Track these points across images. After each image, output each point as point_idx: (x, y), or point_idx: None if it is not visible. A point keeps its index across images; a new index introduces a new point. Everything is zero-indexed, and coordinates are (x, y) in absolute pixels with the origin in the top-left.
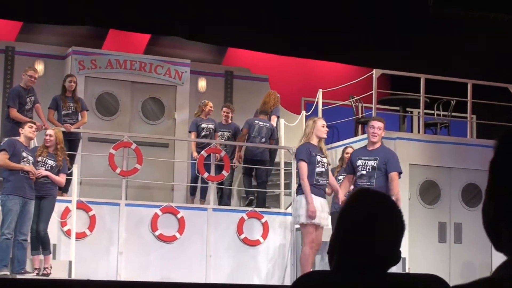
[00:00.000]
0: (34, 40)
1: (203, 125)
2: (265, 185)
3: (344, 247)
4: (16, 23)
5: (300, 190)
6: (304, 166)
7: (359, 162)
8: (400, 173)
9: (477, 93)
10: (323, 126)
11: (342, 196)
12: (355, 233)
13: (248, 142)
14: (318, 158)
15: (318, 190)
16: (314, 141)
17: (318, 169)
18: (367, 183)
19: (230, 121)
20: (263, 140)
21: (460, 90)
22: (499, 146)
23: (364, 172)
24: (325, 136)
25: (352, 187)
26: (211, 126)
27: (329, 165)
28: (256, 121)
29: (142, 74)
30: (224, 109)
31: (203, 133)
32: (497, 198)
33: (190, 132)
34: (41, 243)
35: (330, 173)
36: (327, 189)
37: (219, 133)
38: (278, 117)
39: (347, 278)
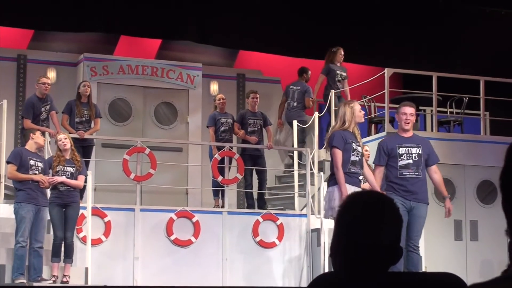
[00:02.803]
0: (45, 47)
1: (222, 120)
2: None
3: (346, 248)
4: (28, 31)
5: (332, 181)
6: (338, 153)
7: (402, 150)
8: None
9: (490, 90)
10: (361, 111)
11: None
12: (354, 234)
13: (286, 107)
14: (354, 145)
15: (352, 178)
16: (351, 127)
17: (352, 158)
18: (416, 173)
19: (257, 109)
20: (295, 103)
21: (473, 87)
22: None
23: (410, 161)
24: (363, 120)
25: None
26: (229, 120)
27: (363, 155)
28: (290, 87)
29: (154, 79)
30: (252, 95)
31: (222, 128)
32: None
33: (208, 127)
34: (65, 251)
35: (365, 165)
36: (366, 184)
37: (250, 121)
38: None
39: (363, 279)
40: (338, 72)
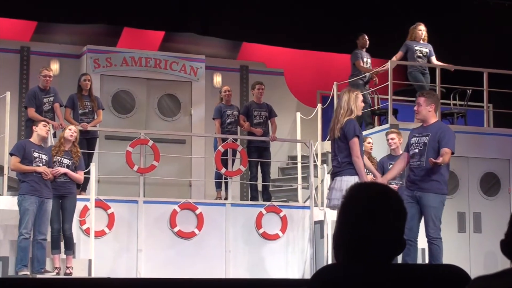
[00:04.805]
0: (49, 39)
1: (228, 112)
2: None
3: (350, 240)
4: (31, 23)
5: (346, 170)
6: (358, 143)
7: (413, 140)
8: (452, 152)
9: (493, 82)
10: (362, 103)
11: (385, 179)
12: (358, 226)
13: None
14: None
15: (365, 169)
16: (354, 116)
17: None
18: (418, 163)
19: (262, 100)
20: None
21: (476, 79)
22: None
23: (416, 150)
24: (360, 113)
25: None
26: (235, 112)
27: None
28: None
29: (157, 71)
30: (258, 86)
31: (228, 120)
32: None
33: (214, 119)
34: (65, 243)
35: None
36: (370, 176)
37: (256, 113)
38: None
39: (366, 270)
40: (417, 48)
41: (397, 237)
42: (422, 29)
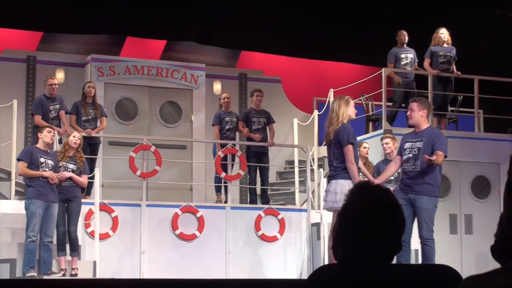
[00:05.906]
0: (54, 49)
1: (226, 119)
2: None
3: (349, 241)
4: (37, 33)
5: (341, 174)
6: (352, 149)
7: (407, 145)
8: (445, 156)
9: (483, 89)
10: (353, 106)
11: (379, 181)
12: (358, 228)
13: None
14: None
15: (360, 174)
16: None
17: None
18: (412, 167)
19: (261, 107)
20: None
21: (467, 85)
22: None
23: (410, 155)
24: (355, 117)
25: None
26: (234, 119)
27: None
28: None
29: (159, 79)
30: (257, 93)
31: (226, 127)
32: None
33: (213, 125)
34: (71, 245)
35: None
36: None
37: (255, 119)
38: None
39: (361, 271)
40: (441, 53)
41: (395, 239)
42: (444, 33)
